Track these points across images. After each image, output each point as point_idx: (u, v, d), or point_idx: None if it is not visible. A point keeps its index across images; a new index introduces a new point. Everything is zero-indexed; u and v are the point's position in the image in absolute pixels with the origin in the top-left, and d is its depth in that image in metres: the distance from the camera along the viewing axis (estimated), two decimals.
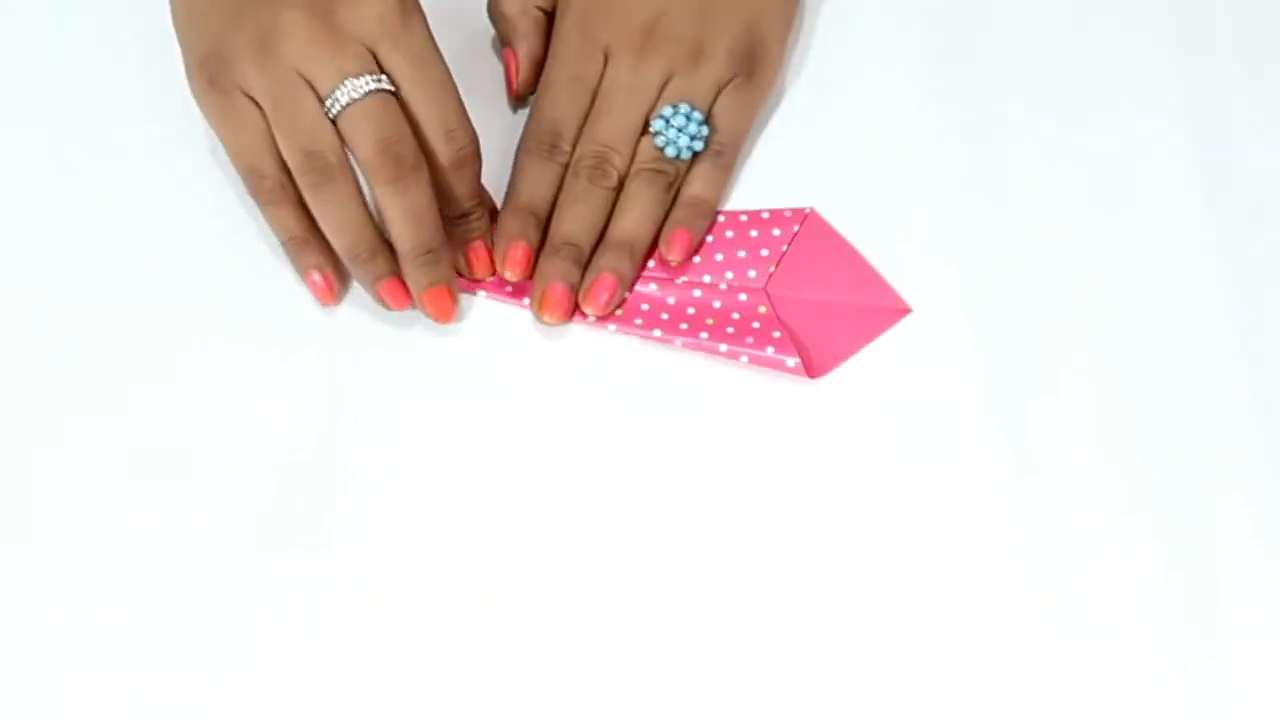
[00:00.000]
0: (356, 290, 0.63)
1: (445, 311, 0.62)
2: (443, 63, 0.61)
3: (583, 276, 0.63)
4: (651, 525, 0.59)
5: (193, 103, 0.61)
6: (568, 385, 0.61)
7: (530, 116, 0.66)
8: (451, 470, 0.60)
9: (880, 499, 0.59)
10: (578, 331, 0.63)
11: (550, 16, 0.67)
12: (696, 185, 0.65)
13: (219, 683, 0.56)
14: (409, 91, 0.60)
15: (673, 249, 0.63)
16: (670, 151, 0.64)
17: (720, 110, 0.65)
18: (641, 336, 0.63)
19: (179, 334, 0.62)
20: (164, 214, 0.64)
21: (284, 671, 0.56)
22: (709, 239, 0.65)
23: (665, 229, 0.64)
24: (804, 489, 0.59)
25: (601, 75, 0.65)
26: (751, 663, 0.57)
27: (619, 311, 0.63)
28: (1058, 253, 0.65)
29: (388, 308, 0.62)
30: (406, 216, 0.60)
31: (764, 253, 0.64)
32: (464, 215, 0.63)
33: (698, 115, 0.64)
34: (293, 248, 0.62)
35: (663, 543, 0.59)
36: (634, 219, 0.64)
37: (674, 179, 0.64)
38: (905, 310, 0.63)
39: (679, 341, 0.62)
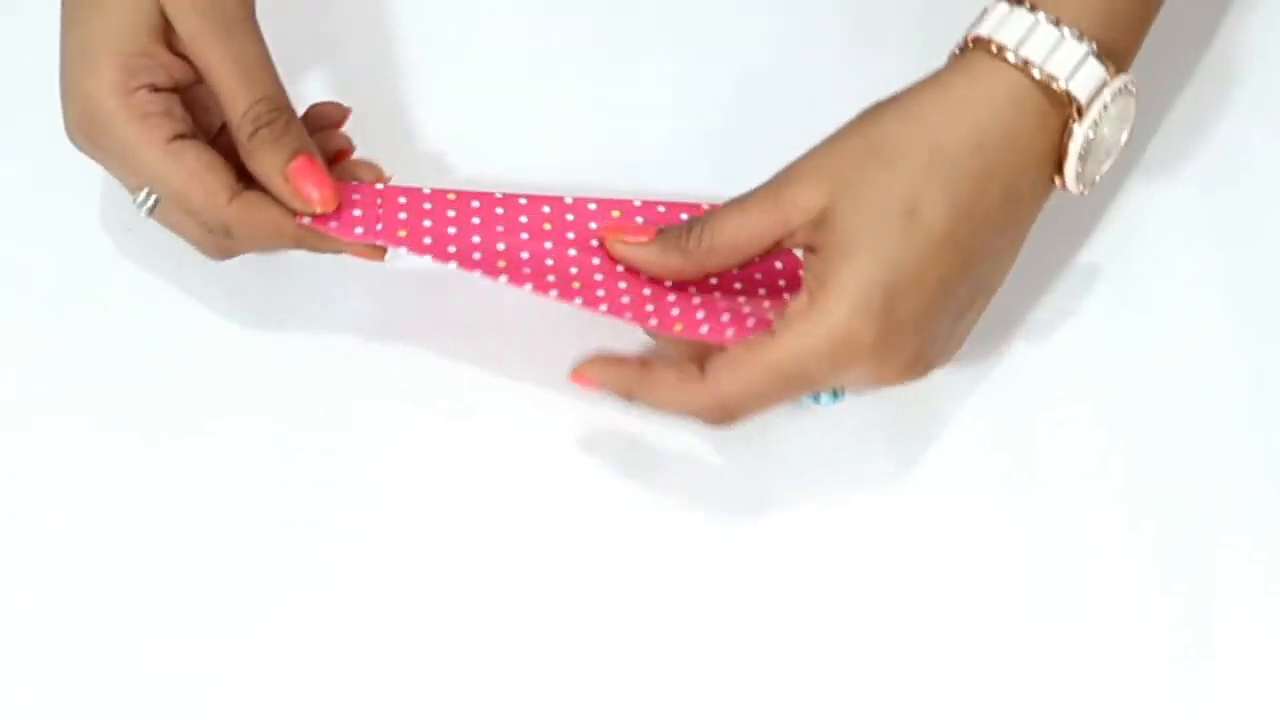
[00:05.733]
0: (355, 297, 0.63)
1: None
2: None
3: None
4: (646, 536, 0.60)
5: None
6: (568, 399, 0.62)
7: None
8: (448, 481, 0.61)
9: (879, 510, 0.60)
10: (577, 335, 0.62)
11: None
12: None
13: (213, 681, 0.57)
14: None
15: None
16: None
17: None
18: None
19: (178, 336, 0.63)
20: None
21: (278, 672, 0.57)
22: None
23: None
24: (800, 499, 0.60)
25: None
26: (750, 671, 0.58)
27: (626, 299, 0.58)
28: (1060, 258, 0.65)
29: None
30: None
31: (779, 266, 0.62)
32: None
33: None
34: None
35: (661, 550, 0.59)
36: None
37: None
38: None
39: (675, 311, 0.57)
